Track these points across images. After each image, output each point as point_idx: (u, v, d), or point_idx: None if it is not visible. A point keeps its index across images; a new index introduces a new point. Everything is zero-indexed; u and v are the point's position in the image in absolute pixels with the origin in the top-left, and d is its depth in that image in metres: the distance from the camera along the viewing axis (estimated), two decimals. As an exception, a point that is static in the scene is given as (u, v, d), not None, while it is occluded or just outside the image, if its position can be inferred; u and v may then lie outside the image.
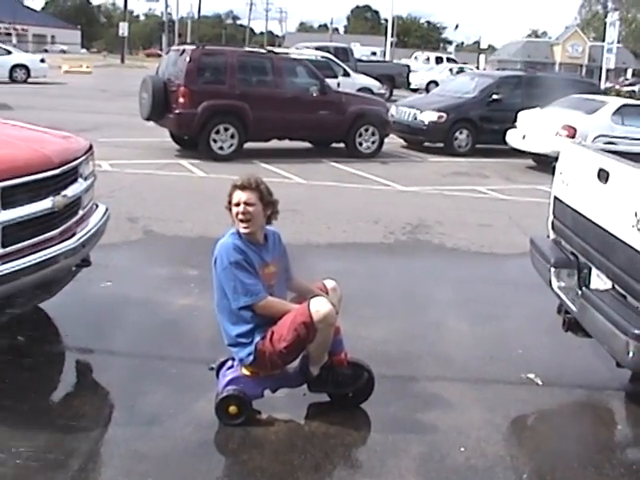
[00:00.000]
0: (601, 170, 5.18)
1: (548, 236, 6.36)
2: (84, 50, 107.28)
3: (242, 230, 4.91)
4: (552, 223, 6.28)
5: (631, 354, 4.35)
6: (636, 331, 4.33)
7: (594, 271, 5.42)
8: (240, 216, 4.88)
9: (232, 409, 4.85)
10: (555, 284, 5.76)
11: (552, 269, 5.78)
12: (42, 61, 39.43)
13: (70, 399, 5.34)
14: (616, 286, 4.94)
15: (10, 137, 5.75)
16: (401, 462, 4.60)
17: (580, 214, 5.53)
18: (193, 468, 4.42)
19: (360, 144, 17.52)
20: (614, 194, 5.00)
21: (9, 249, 4.92)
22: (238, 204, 4.89)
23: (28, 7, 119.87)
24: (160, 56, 62.41)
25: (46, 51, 75.66)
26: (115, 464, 4.43)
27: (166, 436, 4.74)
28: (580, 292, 5.32)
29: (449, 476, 4.50)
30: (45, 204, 5.22)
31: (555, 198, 6.18)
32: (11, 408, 4.94)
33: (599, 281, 5.33)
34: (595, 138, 10.26)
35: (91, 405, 5.14)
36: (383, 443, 4.83)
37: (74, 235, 5.62)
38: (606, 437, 5.25)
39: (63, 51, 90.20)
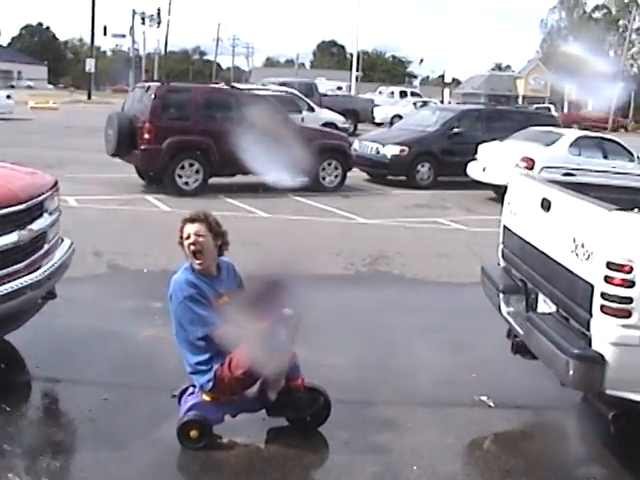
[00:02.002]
0: (544, 199, 5.46)
1: (499, 264, 6.61)
2: (51, 86, 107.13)
3: (196, 266, 5.14)
4: (502, 251, 6.54)
5: (571, 372, 4.59)
6: (576, 351, 4.58)
7: (540, 296, 5.67)
8: (192, 247, 5.12)
9: (193, 433, 5.03)
10: (504, 309, 6.02)
11: (501, 295, 6.04)
12: (8, 97, 39.47)
13: (37, 426, 5.49)
14: (560, 310, 5.20)
15: (-23, 174, 5.94)
16: (356, 481, 4.80)
17: (526, 242, 5.80)
18: (156, 490, 4.60)
19: (323, 178, 17.79)
20: (555, 222, 5.27)
21: (-24, 282, 5.10)
22: (188, 237, 5.14)
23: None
24: (127, 92, 62.66)
25: (12, 87, 75.56)
26: (80, 487, 4.60)
27: (131, 460, 4.92)
28: (526, 316, 5.57)
29: (401, 493, 4.71)
30: (11, 238, 5.41)
31: (504, 227, 6.45)
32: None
33: (545, 306, 5.58)
34: (541, 169, 10.57)
35: (57, 431, 5.31)
36: (339, 464, 5.04)
37: (40, 268, 5.81)
38: (554, 454, 5.47)
39: (29, 87, 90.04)
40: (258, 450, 5.16)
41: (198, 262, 5.16)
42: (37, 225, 5.84)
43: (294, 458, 5.03)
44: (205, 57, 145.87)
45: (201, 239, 5.15)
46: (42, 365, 6.41)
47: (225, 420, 5.20)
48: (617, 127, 61.59)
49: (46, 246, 6.09)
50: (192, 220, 5.22)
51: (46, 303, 6.26)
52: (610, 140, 18.56)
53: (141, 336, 7.12)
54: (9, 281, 5.40)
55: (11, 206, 5.47)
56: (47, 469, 4.74)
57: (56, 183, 6.50)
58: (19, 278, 5.50)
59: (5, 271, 5.40)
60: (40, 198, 5.96)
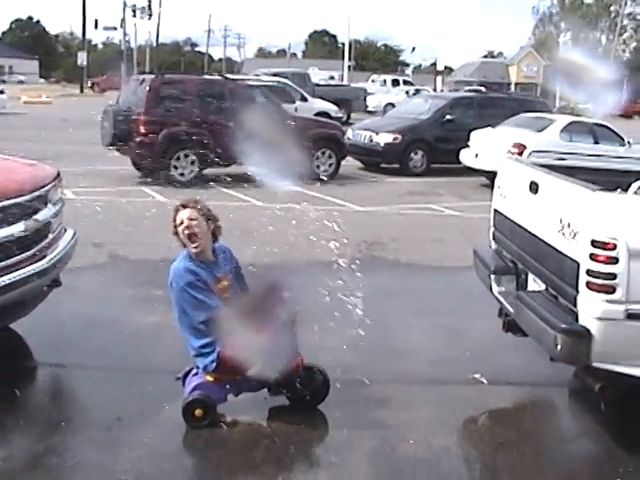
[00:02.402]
0: (532, 182, 5.66)
1: (490, 246, 6.81)
2: (42, 80, 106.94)
3: (192, 250, 5.34)
4: (493, 234, 6.74)
5: (559, 347, 4.80)
6: (563, 325, 4.80)
7: (530, 276, 5.87)
8: (186, 231, 5.32)
9: (198, 412, 5.23)
10: (495, 289, 6.23)
11: (492, 275, 6.25)
12: (1, 92, 39.62)
13: (46, 410, 5.69)
14: (548, 288, 5.40)
15: (-17, 166, 6.13)
16: (355, 455, 5.02)
17: (516, 224, 6.00)
18: (164, 466, 4.80)
19: (318, 167, 17.96)
20: (543, 203, 5.47)
21: (-17, 270, 5.29)
22: (182, 222, 5.35)
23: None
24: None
25: (4, 82, 75.47)
26: (92, 465, 4.80)
27: (137, 439, 5.11)
28: (516, 294, 5.77)
29: (398, 465, 4.93)
30: (17, 228, 5.60)
31: (495, 210, 6.65)
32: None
33: (535, 285, 5.78)
34: (530, 154, 10.76)
35: (65, 413, 5.52)
36: (339, 439, 5.24)
37: (45, 257, 6.00)
38: (546, 428, 5.69)
39: (21, 81, 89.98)
40: (260, 427, 5.35)
41: (194, 246, 5.34)
42: (41, 215, 6.02)
43: (295, 434, 5.23)
44: (197, 48, 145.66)
45: (194, 222, 5.35)
46: (47, 351, 6.60)
47: (228, 399, 5.40)
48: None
49: (50, 235, 6.27)
50: (183, 206, 5.45)
51: (51, 291, 6.46)
52: (601, 125, 18.75)
53: (143, 322, 7.31)
54: (16, 269, 5.59)
55: (16, 197, 5.65)
56: (54, 448, 4.95)
57: (58, 174, 6.68)
58: (25, 267, 5.69)
59: (12, 260, 5.59)
60: (43, 189, 6.14)
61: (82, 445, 5.09)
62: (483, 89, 34.72)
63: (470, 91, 31.10)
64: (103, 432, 5.19)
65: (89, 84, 77.27)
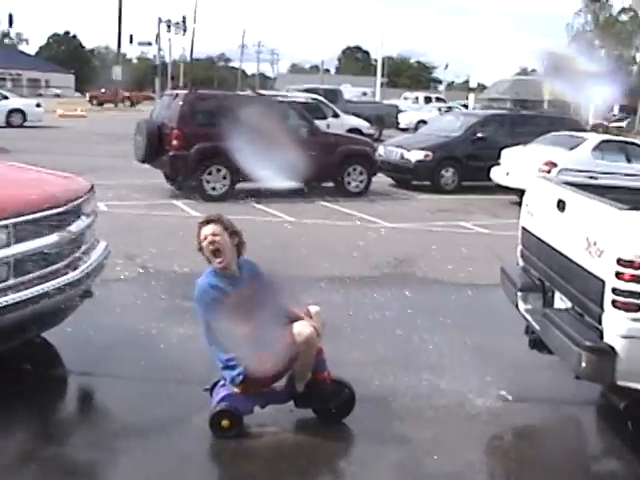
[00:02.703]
0: (559, 200, 5.69)
1: (517, 264, 6.85)
2: (78, 94, 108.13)
3: (217, 266, 5.41)
4: (521, 252, 6.78)
5: (584, 365, 4.83)
6: (588, 343, 4.82)
7: (557, 294, 5.90)
8: (210, 247, 5.38)
9: (225, 423, 5.31)
10: (522, 307, 6.25)
11: (519, 293, 6.28)
12: (38, 105, 40.14)
13: (77, 418, 5.82)
14: (575, 306, 5.43)
15: (20, 178, 6.28)
16: (379, 468, 5.07)
17: (543, 241, 6.03)
18: (191, 475, 4.89)
19: (349, 183, 18.06)
20: (570, 222, 5.51)
21: (20, 279, 5.41)
22: (205, 238, 5.41)
23: (22, 52, 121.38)
24: (153, 99, 63.23)
25: (40, 95, 76.42)
26: (120, 474, 4.89)
27: (166, 449, 5.20)
28: (542, 312, 5.80)
29: (422, 479, 4.96)
30: (52, 239, 5.71)
31: (523, 228, 6.69)
32: (26, 426, 5.39)
33: (561, 303, 5.80)
34: (559, 172, 10.77)
35: (96, 423, 5.63)
36: (363, 452, 5.31)
37: (78, 267, 6.11)
38: (571, 446, 5.70)
39: (57, 95, 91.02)
40: (286, 439, 5.43)
41: (219, 261, 5.41)
42: (75, 227, 6.13)
43: (320, 447, 5.30)
44: (230, 64, 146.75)
45: (218, 238, 5.41)
46: (78, 360, 6.71)
47: (254, 411, 5.47)
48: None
49: (83, 247, 6.39)
50: (207, 222, 5.50)
51: (83, 301, 6.57)
52: (633, 144, 18.64)
53: (173, 333, 7.39)
54: (49, 279, 5.70)
55: (51, 209, 5.77)
56: (82, 455, 5.05)
57: (92, 187, 6.80)
58: (59, 277, 5.80)
59: (45, 270, 5.70)
60: (78, 201, 6.26)
61: (110, 453, 5.18)
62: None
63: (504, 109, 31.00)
64: (131, 440, 5.28)
65: (87, 97, 78.64)
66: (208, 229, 5.44)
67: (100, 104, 72.63)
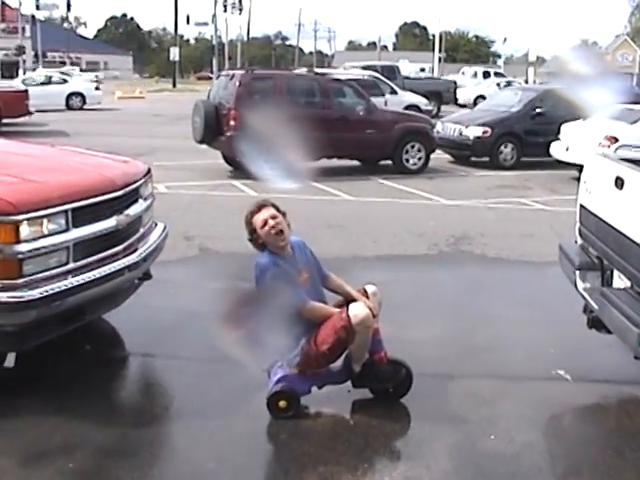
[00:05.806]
0: (618, 178, 5.60)
1: (576, 242, 6.76)
2: (136, 75, 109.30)
3: (280, 244, 5.42)
4: (579, 229, 6.69)
5: (642, 345, 4.77)
6: (646, 323, 4.76)
7: (615, 272, 5.83)
8: (273, 230, 5.38)
9: (282, 404, 5.35)
10: (580, 285, 6.18)
11: (577, 271, 6.20)
12: (97, 88, 40.81)
13: (137, 397, 5.93)
14: (634, 285, 5.36)
15: (78, 163, 6.37)
16: (435, 448, 5.07)
17: (601, 219, 5.95)
18: (248, 454, 4.95)
19: (407, 160, 18.00)
20: (628, 199, 5.42)
21: (79, 263, 5.50)
22: (265, 223, 5.41)
23: (81, 36, 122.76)
24: (211, 79, 63.55)
25: (97, 77, 77.42)
26: (179, 453, 4.98)
27: (224, 428, 5.27)
28: (601, 291, 5.73)
29: (478, 460, 4.96)
30: (110, 222, 5.80)
31: (581, 206, 6.60)
32: (88, 406, 5.50)
33: (620, 282, 5.73)
34: (617, 148, 10.54)
35: (156, 402, 5.74)
36: (420, 432, 5.31)
37: (136, 250, 6.19)
38: (630, 426, 5.62)
39: (116, 77, 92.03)
40: (343, 419, 5.45)
41: (282, 240, 5.44)
42: (133, 210, 6.21)
43: (377, 427, 5.31)
44: (287, 42, 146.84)
45: (279, 219, 5.44)
46: (138, 341, 6.82)
47: (312, 391, 5.51)
48: None
49: (141, 230, 6.47)
50: (259, 208, 5.51)
51: (142, 284, 6.67)
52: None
53: (231, 314, 7.46)
54: (109, 263, 5.78)
55: (109, 193, 5.85)
56: (143, 436, 5.15)
57: (149, 170, 6.87)
58: (118, 260, 5.88)
59: (105, 253, 5.78)
60: (135, 185, 6.33)
61: (168, 433, 5.29)
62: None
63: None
64: (190, 421, 5.36)
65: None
66: (265, 213, 5.46)
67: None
